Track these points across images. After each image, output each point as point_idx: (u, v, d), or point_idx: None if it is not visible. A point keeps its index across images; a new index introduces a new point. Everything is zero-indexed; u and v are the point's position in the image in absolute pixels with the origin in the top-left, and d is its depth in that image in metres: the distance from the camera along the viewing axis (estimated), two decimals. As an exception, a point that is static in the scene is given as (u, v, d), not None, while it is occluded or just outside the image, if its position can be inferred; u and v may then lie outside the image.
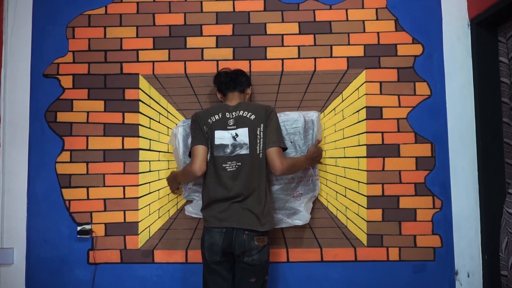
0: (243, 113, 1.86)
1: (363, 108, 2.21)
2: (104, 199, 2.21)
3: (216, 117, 1.86)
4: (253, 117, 1.85)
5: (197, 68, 2.24)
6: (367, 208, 2.19)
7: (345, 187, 2.20)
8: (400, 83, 2.22)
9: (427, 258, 2.17)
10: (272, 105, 2.17)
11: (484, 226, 2.12)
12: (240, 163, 1.81)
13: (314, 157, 2.03)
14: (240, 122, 1.84)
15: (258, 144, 1.83)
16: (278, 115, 1.98)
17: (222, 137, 1.83)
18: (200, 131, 1.86)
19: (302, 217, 2.05)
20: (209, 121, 1.86)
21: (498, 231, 1.97)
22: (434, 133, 2.20)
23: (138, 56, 2.26)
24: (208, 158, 1.85)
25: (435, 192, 2.18)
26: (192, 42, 2.26)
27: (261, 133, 1.84)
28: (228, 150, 1.82)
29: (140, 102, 2.24)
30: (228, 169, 1.81)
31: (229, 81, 1.96)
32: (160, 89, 2.24)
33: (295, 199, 2.07)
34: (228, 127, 1.84)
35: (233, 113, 1.86)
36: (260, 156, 1.84)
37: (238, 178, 1.80)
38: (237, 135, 1.83)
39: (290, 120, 2.07)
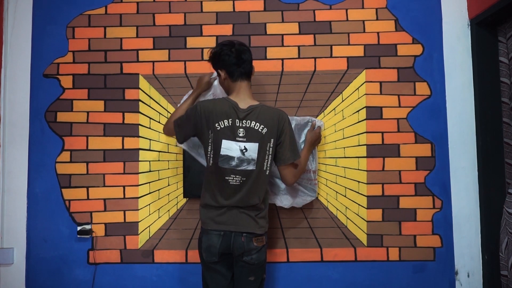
0: (254, 125, 1.71)
1: (363, 108, 2.21)
2: (104, 199, 2.21)
3: (226, 123, 1.71)
4: (264, 130, 1.72)
5: (197, 68, 2.24)
6: (367, 208, 2.19)
7: (345, 187, 2.20)
8: (400, 83, 2.22)
9: (427, 258, 2.17)
10: (274, 105, 2.17)
11: (484, 226, 2.12)
12: (244, 178, 1.72)
13: (313, 141, 2.02)
14: (250, 136, 1.71)
15: (266, 160, 1.74)
16: (294, 117, 2.06)
17: (229, 147, 1.70)
18: (194, 128, 1.76)
19: (284, 199, 2.04)
20: (216, 126, 1.71)
21: (498, 231, 1.97)
22: (434, 133, 2.20)
23: (138, 56, 2.26)
24: (211, 163, 1.76)
25: (435, 192, 2.18)
26: (192, 42, 2.26)
27: (270, 148, 1.74)
28: (234, 163, 1.70)
29: (140, 102, 2.24)
30: (231, 182, 1.72)
31: (235, 65, 1.76)
32: (160, 89, 2.24)
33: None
34: (238, 138, 1.71)
35: (244, 121, 1.71)
36: (267, 173, 1.76)
37: (239, 192, 1.73)
38: (246, 149, 1.71)
39: (303, 124, 2.11)
